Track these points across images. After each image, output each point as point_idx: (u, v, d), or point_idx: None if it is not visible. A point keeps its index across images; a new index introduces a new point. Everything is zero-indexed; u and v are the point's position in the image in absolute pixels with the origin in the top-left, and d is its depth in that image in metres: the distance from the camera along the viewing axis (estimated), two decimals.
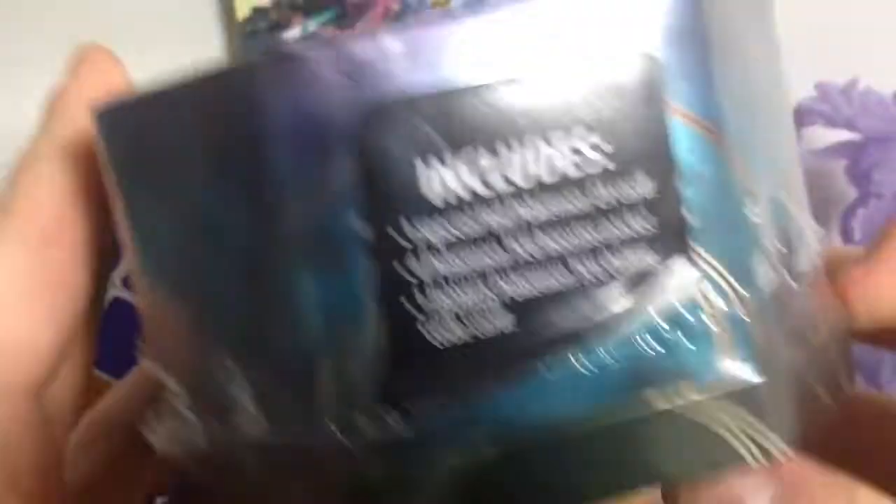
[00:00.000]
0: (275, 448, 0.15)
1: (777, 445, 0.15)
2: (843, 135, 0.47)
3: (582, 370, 0.15)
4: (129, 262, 0.18)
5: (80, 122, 0.18)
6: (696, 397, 0.15)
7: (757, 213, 0.16)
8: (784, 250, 0.16)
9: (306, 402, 0.15)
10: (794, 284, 0.16)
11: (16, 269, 0.18)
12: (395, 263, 0.15)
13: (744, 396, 0.15)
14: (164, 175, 0.16)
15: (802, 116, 0.47)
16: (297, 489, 0.15)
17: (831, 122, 0.47)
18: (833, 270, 0.19)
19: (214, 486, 0.17)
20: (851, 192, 0.47)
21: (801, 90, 0.47)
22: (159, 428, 0.17)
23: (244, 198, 0.15)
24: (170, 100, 0.16)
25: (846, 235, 0.47)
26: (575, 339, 0.15)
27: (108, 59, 0.20)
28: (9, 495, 0.17)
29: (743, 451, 0.15)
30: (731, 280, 0.15)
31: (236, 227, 0.15)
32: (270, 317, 0.15)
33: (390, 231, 0.15)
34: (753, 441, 0.15)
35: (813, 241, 0.17)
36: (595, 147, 0.15)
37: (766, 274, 0.16)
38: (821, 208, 0.50)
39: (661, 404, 0.15)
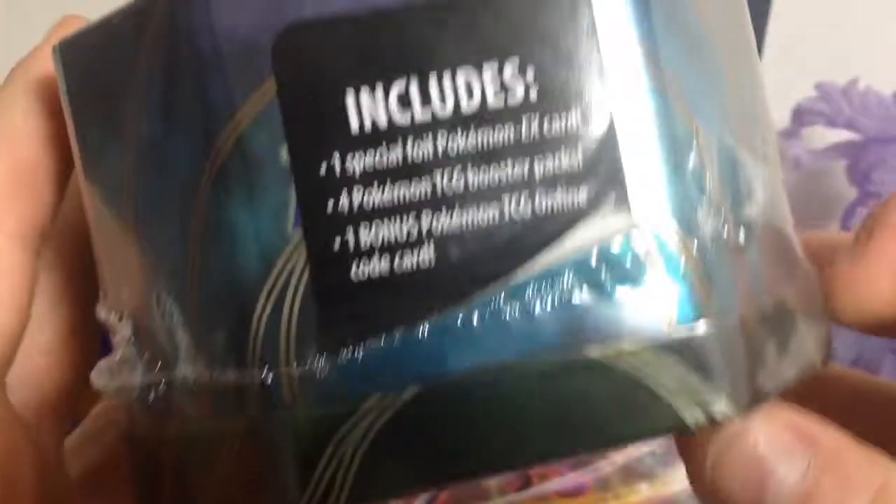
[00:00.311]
0: (205, 387, 0.15)
1: (723, 409, 0.15)
2: (843, 135, 0.47)
3: (507, 314, 0.14)
4: (85, 204, 0.17)
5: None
6: (632, 351, 0.14)
7: (699, 156, 0.15)
8: (730, 198, 0.16)
9: (232, 338, 0.15)
10: (741, 235, 0.16)
11: None
12: (321, 195, 0.14)
13: (683, 351, 0.14)
14: (108, 105, 0.16)
15: (802, 116, 0.47)
16: (225, 431, 0.15)
17: (831, 122, 0.47)
18: (820, 258, 0.18)
19: (149, 431, 0.16)
20: (851, 192, 0.46)
21: (801, 90, 0.47)
22: (106, 368, 0.17)
23: (179, 126, 0.15)
24: (108, 30, 0.16)
25: None
26: (500, 279, 0.14)
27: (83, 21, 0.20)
28: None
29: (684, 413, 0.15)
30: (670, 224, 0.15)
31: (173, 155, 0.15)
32: (201, 249, 0.15)
33: (315, 162, 0.14)
34: (695, 402, 0.15)
35: (762, 194, 0.16)
36: (525, 79, 0.14)
37: (707, 220, 0.15)
38: (821, 208, 0.49)
39: (595, 357, 0.14)
